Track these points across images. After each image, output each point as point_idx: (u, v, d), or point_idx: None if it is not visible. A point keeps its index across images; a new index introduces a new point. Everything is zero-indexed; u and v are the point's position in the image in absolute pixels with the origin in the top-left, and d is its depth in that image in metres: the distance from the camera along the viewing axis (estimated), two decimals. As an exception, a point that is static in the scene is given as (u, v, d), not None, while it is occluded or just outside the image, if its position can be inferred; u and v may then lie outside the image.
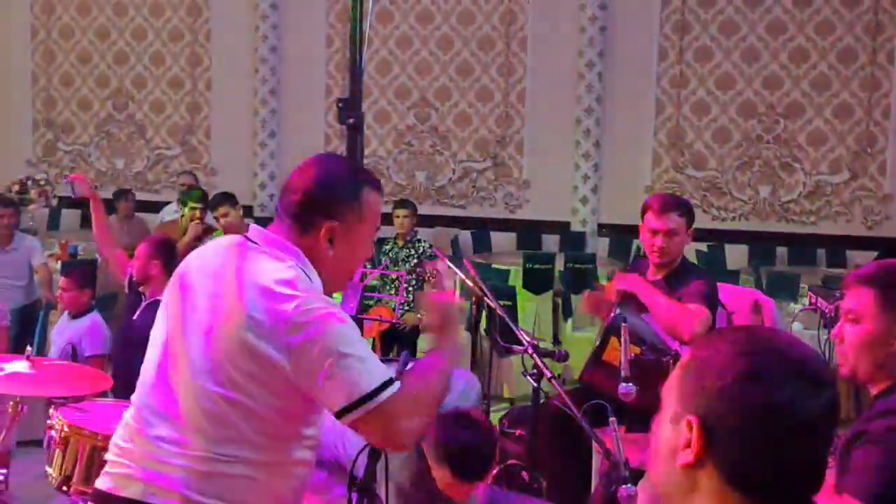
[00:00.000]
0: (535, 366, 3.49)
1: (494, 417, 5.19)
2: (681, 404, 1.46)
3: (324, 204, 2.30)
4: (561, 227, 10.81)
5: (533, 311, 8.37)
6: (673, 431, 1.47)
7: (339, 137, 10.65)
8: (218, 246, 2.40)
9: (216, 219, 7.06)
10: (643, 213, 4.23)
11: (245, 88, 11.33)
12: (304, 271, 2.25)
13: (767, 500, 1.42)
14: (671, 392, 1.50)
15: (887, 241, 9.82)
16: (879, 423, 2.37)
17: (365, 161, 10.68)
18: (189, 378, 2.24)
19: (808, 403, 1.40)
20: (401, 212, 7.62)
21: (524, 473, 4.28)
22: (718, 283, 4.51)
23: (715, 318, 4.26)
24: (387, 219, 7.99)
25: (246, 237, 2.35)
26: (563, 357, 3.85)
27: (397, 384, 2.18)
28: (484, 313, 4.75)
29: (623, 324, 3.53)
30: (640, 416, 3.73)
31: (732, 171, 10.59)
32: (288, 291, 2.16)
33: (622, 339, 3.48)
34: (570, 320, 8.44)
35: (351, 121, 4.62)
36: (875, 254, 9.36)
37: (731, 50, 10.45)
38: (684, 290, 4.11)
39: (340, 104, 4.72)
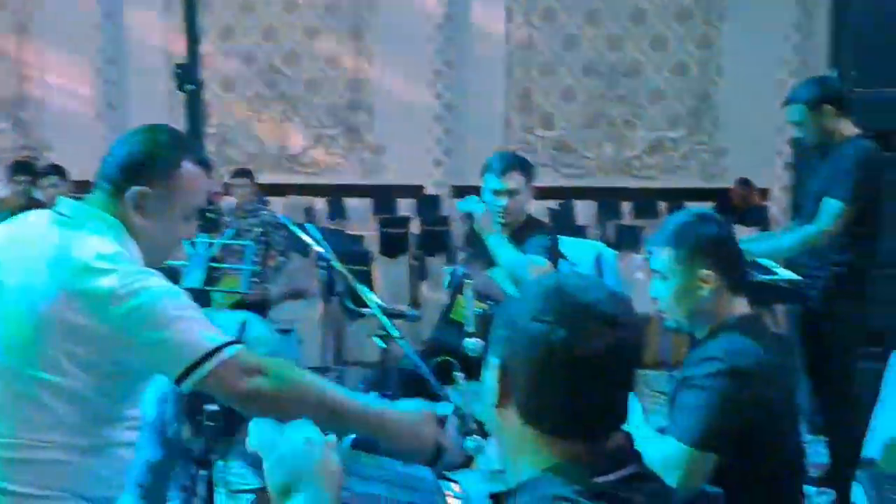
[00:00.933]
0: (383, 327, 3.56)
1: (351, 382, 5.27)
2: (492, 351, 1.53)
3: (137, 170, 2.23)
4: (415, 191, 10.90)
5: (390, 275, 8.44)
6: (490, 377, 1.55)
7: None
8: (25, 222, 2.29)
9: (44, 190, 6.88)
10: (483, 173, 4.29)
11: (83, 59, 11.03)
12: (119, 243, 2.18)
13: (561, 437, 1.47)
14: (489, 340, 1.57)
15: (722, 191, 10.28)
16: (700, 369, 2.52)
17: (212, 130, 10.59)
18: None
19: (592, 343, 1.43)
20: (238, 181, 7.53)
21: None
22: (561, 237, 4.64)
23: (557, 270, 4.41)
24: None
25: (56, 211, 2.25)
26: (414, 318, 3.92)
27: (236, 347, 2.12)
28: (336, 279, 4.79)
29: (466, 280, 3.62)
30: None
31: (579, 129, 10.86)
32: (107, 265, 2.09)
33: (465, 295, 3.57)
34: (425, 283, 8.55)
35: (190, 87, 4.53)
36: (712, 204, 9.79)
37: (574, 11, 10.68)
38: (527, 245, 4.23)
39: (179, 70, 4.60)
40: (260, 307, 6.90)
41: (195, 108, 5.35)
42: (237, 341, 2.16)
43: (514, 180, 4.22)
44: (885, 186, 4.38)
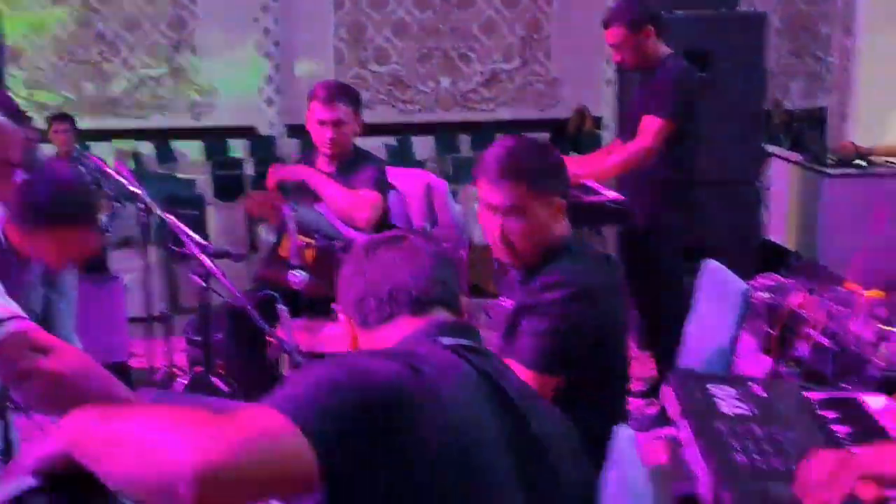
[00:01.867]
0: (205, 267, 3.47)
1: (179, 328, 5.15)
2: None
3: None
4: (248, 132, 10.67)
5: (226, 219, 8.29)
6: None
7: None
8: None
9: None
10: (309, 102, 4.19)
11: None
12: None
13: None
14: None
15: (557, 121, 10.44)
16: (545, 296, 2.51)
17: (20, 73, 9.96)
18: None
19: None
20: (58, 126, 7.21)
21: (214, 379, 4.27)
22: (390, 168, 4.60)
23: (387, 202, 4.36)
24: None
25: None
26: (239, 257, 3.84)
27: (25, 322, 1.98)
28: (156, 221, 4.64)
29: (291, 212, 3.56)
30: (316, 303, 3.81)
31: (414, 63, 10.80)
32: None
33: (289, 228, 3.51)
34: (263, 225, 8.42)
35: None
36: (548, 134, 9.94)
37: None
38: (355, 177, 4.17)
39: None
40: (98, 257, 6.68)
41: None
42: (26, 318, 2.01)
43: (340, 110, 4.14)
44: (699, 105, 4.50)
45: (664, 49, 4.52)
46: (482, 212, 2.62)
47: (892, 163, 6.05)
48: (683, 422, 1.78)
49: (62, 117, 7.42)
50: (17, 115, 2.17)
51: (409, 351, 1.64)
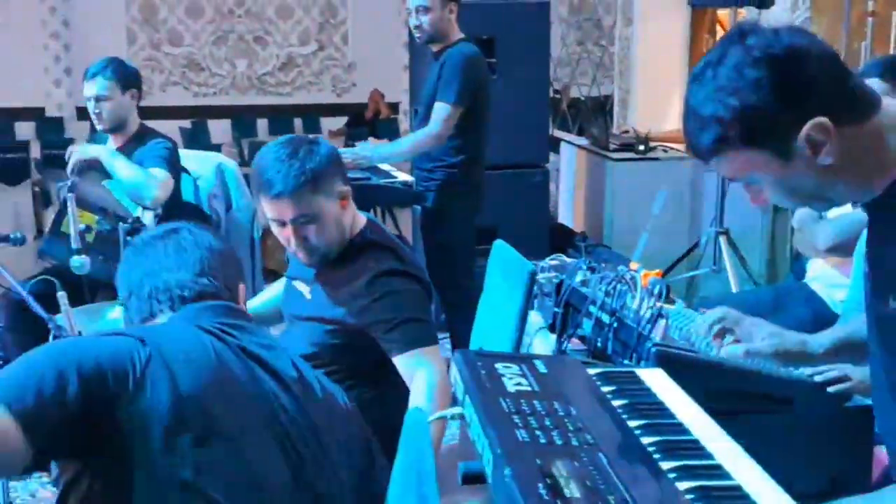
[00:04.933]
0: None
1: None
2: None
3: None
4: (35, 113, 10.18)
5: (11, 203, 7.97)
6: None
7: None
8: None
9: None
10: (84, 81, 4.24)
11: None
12: None
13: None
14: None
15: (354, 106, 10.44)
16: (378, 292, 2.56)
17: None
18: None
19: None
20: None
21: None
22: (182, 151, 4.55)
23: (179, 183, 4.31)
24: None
25: None
26: (19, 241, 3.69)
27: None
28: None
29: (70, 193, 3.45)
30: (101, 288, 3.70)
31: (209, 46, 10.57)
32: None
33: (70, 210, 3.40)
34: (51, 208, 8.12)
35: None
36: (345, 119, 9.92)
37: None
38: (143, 155, 4.12)
39: None
40: None
41: None
42: None
43: (102, 85, 4.15)
44: (486, 90, 4.61)
45: (458, 31, 4.61)
46: (273, 226, 2.59)
47: (670, 148, 6.37)
48: (468, 400, 1.82)
49: None
50: None
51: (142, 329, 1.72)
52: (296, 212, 2.51)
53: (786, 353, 2.10)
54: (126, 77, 4.24)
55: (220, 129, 10.31)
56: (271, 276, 5.50)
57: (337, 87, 10.77)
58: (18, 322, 3.85)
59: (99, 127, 4.22)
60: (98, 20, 10.16)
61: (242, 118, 10.54)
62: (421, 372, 2.47)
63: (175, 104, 10.15)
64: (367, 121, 10.10)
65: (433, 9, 4.52)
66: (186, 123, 10.04)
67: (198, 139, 9.73)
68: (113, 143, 4.30)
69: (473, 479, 1.63)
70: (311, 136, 2.67)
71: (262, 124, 10.60)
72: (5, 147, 9.20)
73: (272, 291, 3.04)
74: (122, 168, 4.02)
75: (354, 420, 1.80)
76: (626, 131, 6.66)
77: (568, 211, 7.10)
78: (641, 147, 6.26)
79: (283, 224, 2.55)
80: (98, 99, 4.16)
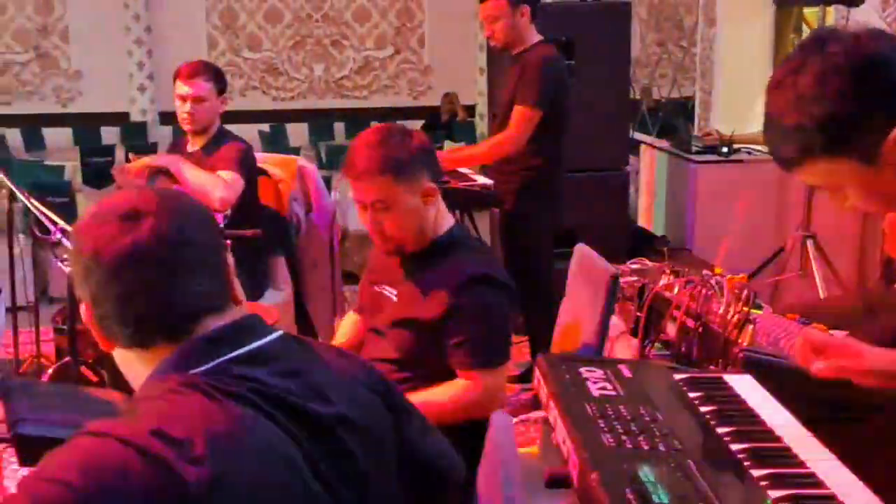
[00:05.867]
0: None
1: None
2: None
3: None
4: (120, 118, 10.41)
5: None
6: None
7: None
8: None
9: None
10: (174, 81, 4.24)
11: None
12: None
13: (148, 344, 1.43)
14: None
15: (430, 109, 10.47)
16: (471, 291, 2.50)
17: None
18: None
19: (116, 243, 1.38)
20: None
21: (83, 368, 4.17)
22: (262, 154, 4.59)
23: (254, 185, 4.35)
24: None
25: None
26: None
27: None
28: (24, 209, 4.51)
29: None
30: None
31: (287, 50, 10.69)
32: None
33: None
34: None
35: None
36: (421, 122, 9.94)
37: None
38: (217, 157, 4.16)
39: None
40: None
41: None
42: None
43: (199, 87, 4.18)
44: (566, 93, 4.57)
45: (535, 34, 4.57)
46: (357, 208, 2.62)
47: (754, 150, 6.26)
48: (552, 404, 1.81)
49: None
50: None
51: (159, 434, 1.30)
52: (374, 196, 2.53)
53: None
54: (221, 81, 4.31)
55: (297, 133, 10.42)
56: (349, 278, 5.53)
57: (413, 89, 10.82)
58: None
59: (186, 127, 4.26)
60: (180, 26, 10.35)
61: (320, 121, 10.64)
62: (467, 386, 2.48)
63: (254, 108, 10.29)
64: (443, 123, 10.12)
65: (502, 17, 4.48)
66: (265, 127, 10.17)
67: (276, 142, 9.85)
68: (194, 144, 4.35)
69: (558, 483, 1.62)
70: (409, 127, 2.66)
71: (338, 127, 10.69)
72: (91, 151, 9.42)
73: (348, 328, 2.98)
74: (188, 172, 4.07)
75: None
76: (709, 133, 6.56)
77: (648, 214, 7.03)
78: (725, 149, 6.15)
79: (364, 207, 2.56)
80: (195, 100, 4.19)
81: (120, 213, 1.39)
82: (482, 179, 4.79)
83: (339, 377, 1.57)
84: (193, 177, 4.03)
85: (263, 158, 4.69)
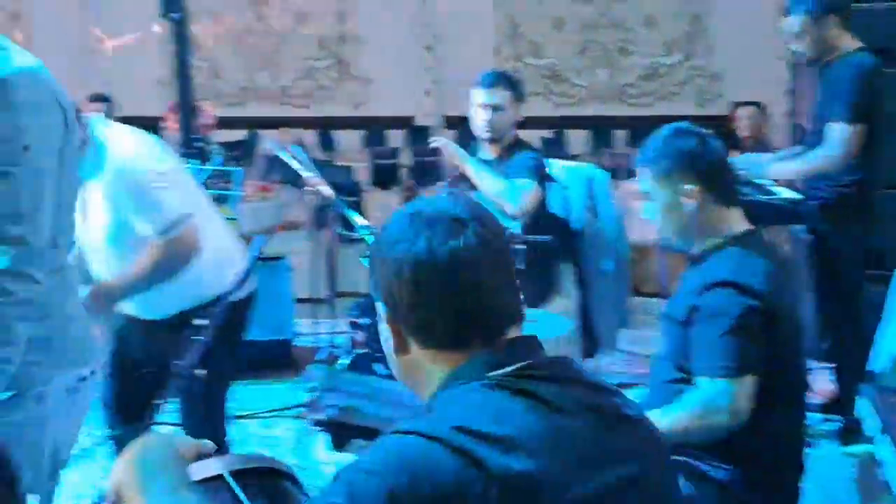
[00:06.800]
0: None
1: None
2: (376, 298, 1.54)
3: None
4: (404, 122, 10.76)
5: (382, 207, 8.47)
6: (383, 327, 1.56)
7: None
8: None
9: None
10: (473, 89, 4.33)
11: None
12: None
13: (463, 345, 1.47)
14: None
15: (716, 118, 10.14)
16: (712, 294, 2.44)
17: (201, 63, 10.40)
18: None
19: (449, 243, 1.45)
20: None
21: (374, 363, 4.34)
22: (554, 161, 4.61)
23: (545, 193, 4.36)
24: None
25: None
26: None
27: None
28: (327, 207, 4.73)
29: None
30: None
31: (571, 57, 10.69)
32: None
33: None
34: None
35: (175, 15, 4.52)
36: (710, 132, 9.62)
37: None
38: (512, 165, 4.20)
39: None
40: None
41: (182, 37, 5.27)
42: None
43: (499, 95, 4.25)
44: (883, 104, 4.28)
45: (848, 41, 4.29)
46: None
47: None
48: (885, 438, 1.68)
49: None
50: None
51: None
52: (643, 185, 2.67)
53: None
54: (520, 91, 4.37)
55: (578, 140, 10.40)
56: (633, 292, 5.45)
57: (701, 97, 10.54)
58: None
59: (484, 135, 4.33)
60: (466, 33, 10.57)
61: (602, 128, 10.56)
62: (716, 401, 2.39)
63: (536, 114, 10.35)
64: (733, 132, 9.73)
65: (808, 31, 4.24)
66: (547, 133, 10.20)
67: (557, 149, 9.87)
68: (488, 152, 4.41)
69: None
70: (706, 131, 2.67)
71: (620, 135, 10.57)
72: (378, 153, 9.81)
73: None
74: (487, 179, 4.14)
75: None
76: None
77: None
78: None
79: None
80: (495, 108, 4.27)
81: (448, 217, 1.46)
82: (787, 192, 4.56)
83: None
84: (492, 185, 4.11)
85: (555, 165, 4.71)
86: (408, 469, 1.30)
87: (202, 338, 2.38)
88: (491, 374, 1.42)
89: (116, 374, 3.52)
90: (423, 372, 1.51)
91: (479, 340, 1.46)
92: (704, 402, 2.40)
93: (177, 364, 2.40)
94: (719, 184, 2.61)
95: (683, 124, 2.69)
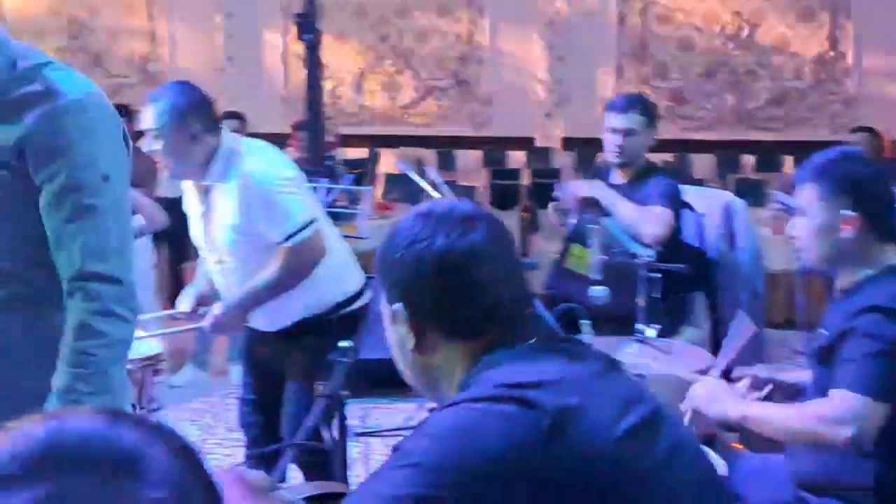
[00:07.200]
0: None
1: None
2: (388, 300, 1.57)
3: None
4: (526, 143, 10.71)
5: (501, 226, 8.44)
6: (395, 331, 1.57)
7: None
8: None
9: None
10: (606, 112, 4.26)
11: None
12: None
13: (487, 331, 1.53)
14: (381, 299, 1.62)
15: (852, 144, 9.80)
16: (868, 317, 2.35)
17: (328, 83, 10.50)
18: None
19: (467, 237, 1.52)
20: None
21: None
22: (689, 186, 4.49)
23: (679, 219, 4.24)
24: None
25: None
26: (532, 266, 3.82)
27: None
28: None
29: (594, 225, 3.50)
30: (608, 320, 3.71)
31: (697, 80, 10.50)
32: None
33: (592, 242, 3.45)
34: (538, 234, 8.47)
35: (308, 37, 4.53)
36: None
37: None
38: (646, 191, 4.10)
39: (298, 20, 4.61)
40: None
41: (313, 59, 5.32)
42: None
43: (633, 120, 4.14)
44: None
45: None
46: None
47: None
48: None
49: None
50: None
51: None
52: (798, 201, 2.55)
53: None
54: (653, 115, 4.26)
55: (702, 164, 10.18)
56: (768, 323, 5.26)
57: (833, 123, 10.21)
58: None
59: (615, 160, 4.22)
60: (591, 54, 10.48)
61: (728, 153, 10.32)
62: (848, 415, 2.28)
63: (660, 137, 10.16)
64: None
65: None
66: (669, 157, 10.03)
67: (680, 173, 9.67)
68: (618, 177, 4.30)
69: None
70: (880, 165, 2.60)
71: (747, 160, 10.32)
72: (498, 173, 9.78)
73: None
74: (621, 206, 4.03)
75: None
76: None
77: None
78: None
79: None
80: (627, 133, 4.17)
81: (458, 215, 1.55)
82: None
83: None
84: (627, 211, 4.00)
85: (691, 192, 4.56)
86: (467, 430, 1.37)
87: (346, 360, 2.34)
88: (518, 346, 1.52)
89: (255, 387, 3.52)
90: (443, 369, 1.57)
91: (500, 326, 1.54)
92: (836, 411, 2.30)
93: (321, 385, 2.37)
94: (881, 217, 2.49)
95: (856, 149, 2.60)
